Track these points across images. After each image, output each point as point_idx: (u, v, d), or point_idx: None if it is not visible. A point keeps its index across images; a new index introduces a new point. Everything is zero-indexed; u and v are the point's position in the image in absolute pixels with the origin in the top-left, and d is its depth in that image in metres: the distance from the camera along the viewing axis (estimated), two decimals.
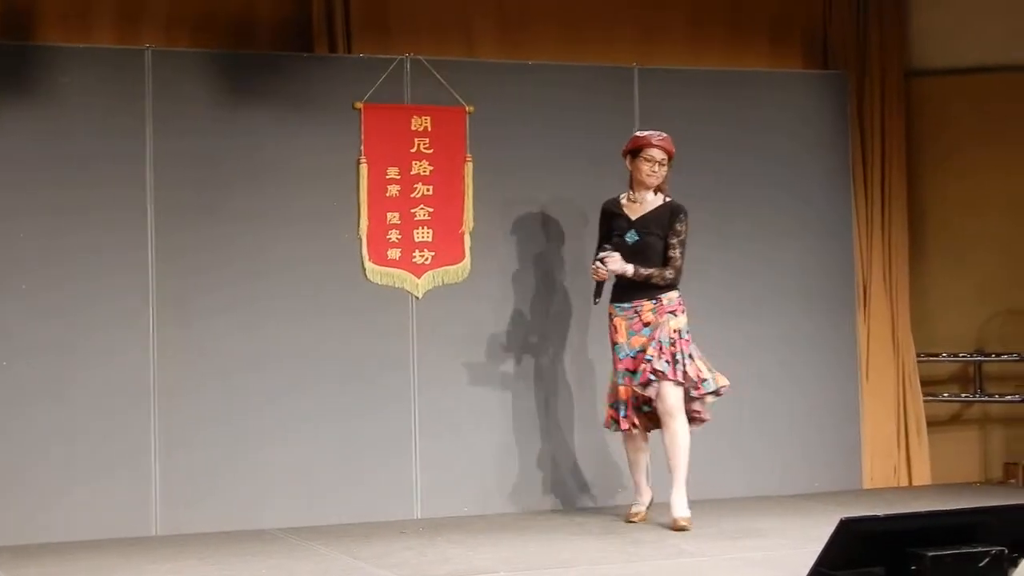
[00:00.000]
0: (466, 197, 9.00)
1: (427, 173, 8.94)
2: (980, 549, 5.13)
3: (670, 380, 8.04)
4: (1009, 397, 10.32)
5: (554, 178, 9.09)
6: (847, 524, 5.03)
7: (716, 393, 8.25)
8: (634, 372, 8.15)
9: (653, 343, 8.08)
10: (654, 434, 8.33)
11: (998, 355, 10.31)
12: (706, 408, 8.29)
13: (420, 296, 8.88)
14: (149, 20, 8.84)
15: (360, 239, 8.78)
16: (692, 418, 8.21)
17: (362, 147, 8.81)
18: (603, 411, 8.53)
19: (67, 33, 8.63)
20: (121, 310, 8.34)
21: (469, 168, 9.01)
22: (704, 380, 8.18)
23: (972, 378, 10.43)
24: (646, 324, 8.15)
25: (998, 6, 10.37)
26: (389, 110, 8.87)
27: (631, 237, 8.21)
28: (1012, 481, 10.13)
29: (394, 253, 8.84)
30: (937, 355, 10.36)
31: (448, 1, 9.41)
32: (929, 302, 10.38)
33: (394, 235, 8.85)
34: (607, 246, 8.21)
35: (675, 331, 8.11)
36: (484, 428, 8.96)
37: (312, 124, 8.74)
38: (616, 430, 8.38)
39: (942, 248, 10.41)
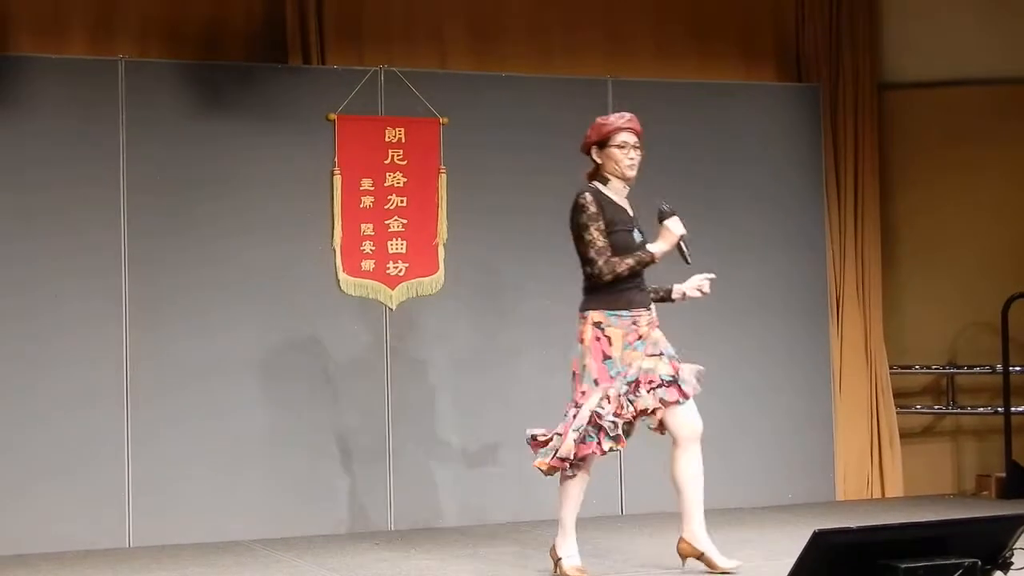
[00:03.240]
0: (440, 208, 8.99)
1: (401, 184, 8.93)
2: (953, 561, 5.13)
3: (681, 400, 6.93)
4: (981, 409, 10.34)
5: (528, 189, 9.07)
6: (820, 536, 5.03)
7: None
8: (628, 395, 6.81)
9: (664, 359, 6.88)
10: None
11: (970, 367, 10.33)
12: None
13: (394, 307, 8.87)
14: (121, 30, 8.81)
15: (334, 250, 8.77)
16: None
17: (336, 158, 8.79)
18: (565, 445, 6.83)
19: (39, 42, 8.59)
20: (94, 319, 8.32)
21: (443, 179, 9.00)
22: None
23: (944, 390, 10.45)
24: (639, 338, 6.89)
25: (969, 19, 10.42)
26: (363, 121, 8.86)
27: (638, 236, 7.01)
28: (984, 493, 10.14)
29: (368, 264, 8.83)
30: (910, 367, 10.38)
31: (420, 12, 9.41)
32: (901, 314, 10.40)
33: (368, 246, 8.84)
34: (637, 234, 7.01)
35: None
36: (459, 439, 8.94)
37: (285, 135, 8.72)
38: (571, 474, 6.85)
39: (914, 260, 10.43)
